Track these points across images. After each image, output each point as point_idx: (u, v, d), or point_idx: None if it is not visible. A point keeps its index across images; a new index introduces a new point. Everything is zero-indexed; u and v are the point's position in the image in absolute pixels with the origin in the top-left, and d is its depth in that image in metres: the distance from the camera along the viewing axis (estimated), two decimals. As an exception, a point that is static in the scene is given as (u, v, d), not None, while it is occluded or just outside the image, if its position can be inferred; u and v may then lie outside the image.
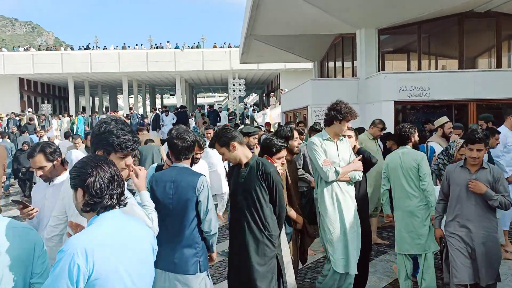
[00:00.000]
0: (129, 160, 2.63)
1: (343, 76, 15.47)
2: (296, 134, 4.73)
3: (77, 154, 3.65)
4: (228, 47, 36.94)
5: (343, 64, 15.52)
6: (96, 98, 46.89)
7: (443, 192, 4.18)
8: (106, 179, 1.97)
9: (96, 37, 38.07)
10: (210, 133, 7.54)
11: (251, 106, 30.77)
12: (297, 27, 13.31)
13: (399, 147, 5.03)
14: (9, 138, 16.52)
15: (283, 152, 3.91)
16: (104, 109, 44.53)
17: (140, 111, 42.80)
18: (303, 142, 7.93)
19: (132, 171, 3.08)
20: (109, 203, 1.97)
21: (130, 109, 26.24)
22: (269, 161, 3.70)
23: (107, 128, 2.54)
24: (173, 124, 17.47)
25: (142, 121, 21.67)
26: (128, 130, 2.56)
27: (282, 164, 3.94)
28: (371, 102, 10.88)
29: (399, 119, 10.11)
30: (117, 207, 2.03)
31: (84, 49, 37.67)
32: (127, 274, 1.93)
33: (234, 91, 23.05)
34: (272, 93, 32.23)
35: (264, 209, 3.38)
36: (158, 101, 52.77)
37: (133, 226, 2.10)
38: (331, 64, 17.20)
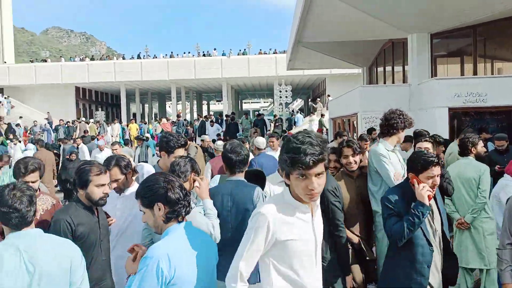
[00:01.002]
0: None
1: (393, 81, 15.20)
2: (349, 151, 4.06)
3: (148, 168, 3.82)
4: (274, 53, 37.14)
5: (393, 69, 15.25)
6: (146, 105, 48.42)
7: (511, 232, 3.08)
8: (179, 189, 2.15)
9: (146, 46, 39.35)
10: (273, 141, 7.29)
11: (297, 112, 30.69)
12: (346, 33, 13.23)
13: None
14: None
15: (434, 169, 3.07)
16: (153, 116, 45.92)
17: (188, 117, 43.80)
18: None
19: (194, 181, 3.23)
20: (187, 209, 2.18)
21: (178, 116, 26.69)
22: (416, 179, 3.12)
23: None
24: (218, 135, 17.49)
25: (186, 129, 21.70)
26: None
27: (434, 185, 3.12)
28: (424, 109, 10.63)
29: (454, 127, 9.81)
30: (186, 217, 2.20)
31: (136, 58, 39.00)
32: (197, 281, 2.09)
33: (280, 97, 23.12)
34: (318, 99, 32.05)
35: None
36: (204, 107, 53.75)
37: (202, 237, 2.28)
38: (380, 70, 16.94)
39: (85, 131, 19.89)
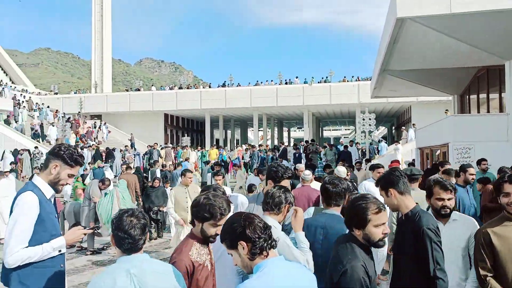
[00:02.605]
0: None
1: (488, 110, 14.27)
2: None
3: (242, 199, 3.90)
4: (356, 80, 36.71)
5: (488, 97, 14.34)
6: (229, 131, 49.93)
7: None
8: (257, 225, 2.13)
9: (230, 75, 40.87)
10: (381, 172, 6.37)
11: (381, 140, 29.75)
12: (436, 60, 12.75)
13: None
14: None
15: None
16: (235, 142, 47.17)
17: (269, 143, 44.32)
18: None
19: (287, 211, 3.23)
20: (269, 242, 2.12)
21: (253, 146, 26.22)
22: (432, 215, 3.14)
23: None
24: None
25: (262, 161, 20.75)
26: None
27: None
28: (525, 140, 9.83)
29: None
30: (274, 249, 2.17)
31: (221, 86, 40.55)
32: None
33: (363, 125, 22.65)
34: (403, 127, 30.91)
35: (410, 269, 3.01)
36: (285, 134, 54.17)
37: (296, 272, 2.21)
38: (473, 97, 16.01)
39: (164, 165, 19.70)
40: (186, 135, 38.92)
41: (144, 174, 16.93)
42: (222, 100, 37.09)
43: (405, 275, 3.07)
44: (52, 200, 3.03)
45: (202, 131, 44.56)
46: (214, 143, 40.16)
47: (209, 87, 41.76)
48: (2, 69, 49.77)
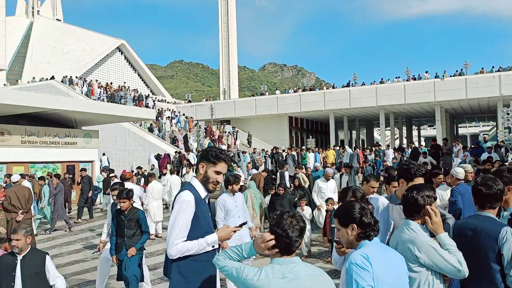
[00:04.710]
0: None
1: None
2: None
3: (383, 200, 3.80)
4: (497, 71, 33.22)
5: None
6: (354, 132, 48.91)
7: None
8: (371, 216, 2.56)
9: (354, 74, 39.92)
10: None
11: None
12: None
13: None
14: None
15: None
16: (360, 143, 46.02)
17: (396, 143, 42.38)
18: None
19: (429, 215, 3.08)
20: (376, 233, 2.56)
21: (374, 145, 24.39)
22: None
23: None
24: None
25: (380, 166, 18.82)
26: None
27: None
28: None
29: None
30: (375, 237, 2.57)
31: (344, 86, 40.00)
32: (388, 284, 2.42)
33: (508, 120, 20.43)
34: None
35: None
36: (415, 133, 51.26)
37: (390, 252, 2.65)
38: None
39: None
40: (310, 137, 39.14)
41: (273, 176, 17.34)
42: (346, 100, 36.53)
43: None
44: (206, 200, 3.29)
45: (326, 132, 44.40)
46: (339, 144, 39.68)
47: (333, 87, 41.41)
48: (144, 82, 55.61)
